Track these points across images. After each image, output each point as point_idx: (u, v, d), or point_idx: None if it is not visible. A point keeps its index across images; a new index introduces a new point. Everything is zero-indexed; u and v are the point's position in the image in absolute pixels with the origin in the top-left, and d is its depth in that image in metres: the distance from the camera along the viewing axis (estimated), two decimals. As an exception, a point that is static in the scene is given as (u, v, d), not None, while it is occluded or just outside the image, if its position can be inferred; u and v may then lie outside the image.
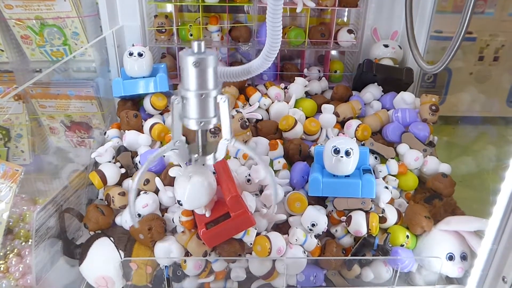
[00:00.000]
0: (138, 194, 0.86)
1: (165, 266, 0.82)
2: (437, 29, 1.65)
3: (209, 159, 0.69)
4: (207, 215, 0.77)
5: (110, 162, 0.92)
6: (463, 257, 0.83)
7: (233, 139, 0.66)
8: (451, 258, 0.83)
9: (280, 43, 0.66)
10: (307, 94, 1.18)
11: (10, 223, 0.91)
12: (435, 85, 2.10)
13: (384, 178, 0.94)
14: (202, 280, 0.84)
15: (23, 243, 0.90)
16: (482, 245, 0.71)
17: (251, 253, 0.82)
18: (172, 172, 0.77)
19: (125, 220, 0.85)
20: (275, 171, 0.93)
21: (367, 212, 0.84)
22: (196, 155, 0.69)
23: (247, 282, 0.85)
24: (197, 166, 0.73)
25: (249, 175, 0.88)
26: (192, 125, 0.65)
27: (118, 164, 0.92)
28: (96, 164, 0.95)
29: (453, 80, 2.10)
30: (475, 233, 0.82)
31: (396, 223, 0.88)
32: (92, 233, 0.86)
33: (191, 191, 0.72)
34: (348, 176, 0.85)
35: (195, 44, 0.60)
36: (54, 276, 0.85)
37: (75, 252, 0.85)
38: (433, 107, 1.01)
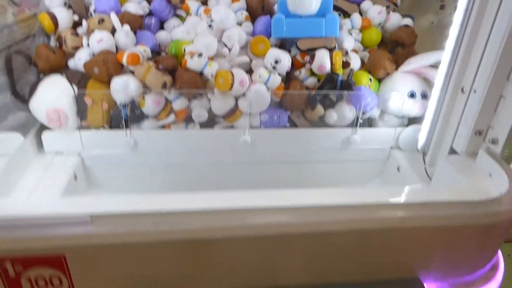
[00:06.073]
0: (92, 31, 0.81)
1: (123, 105, 0.78)
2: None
3: None
4: None
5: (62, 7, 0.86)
6: (424, 96, 0.84)
7: None
8: (412, 95, 0.84)
9: None
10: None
11: None
12: None
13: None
14: (162, 122, 0.81)
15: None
16: (442, 59, 0.72)
17: (213, 94, 0.80)
18: None
19: (78, 58, 0.80)
20: (238, 24, 0.90)
21: (330, 50, 0.83)
22: None
23: (209, 123, 0.83)
24: None
25: (211, 21, 0.85)
26: None
27: (71, 10, 0.86)
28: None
29: None
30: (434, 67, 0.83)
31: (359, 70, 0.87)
32: (42, 75, 0.80)
33: None
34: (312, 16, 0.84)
35: None
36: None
37: (24, 91, 0.79)
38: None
